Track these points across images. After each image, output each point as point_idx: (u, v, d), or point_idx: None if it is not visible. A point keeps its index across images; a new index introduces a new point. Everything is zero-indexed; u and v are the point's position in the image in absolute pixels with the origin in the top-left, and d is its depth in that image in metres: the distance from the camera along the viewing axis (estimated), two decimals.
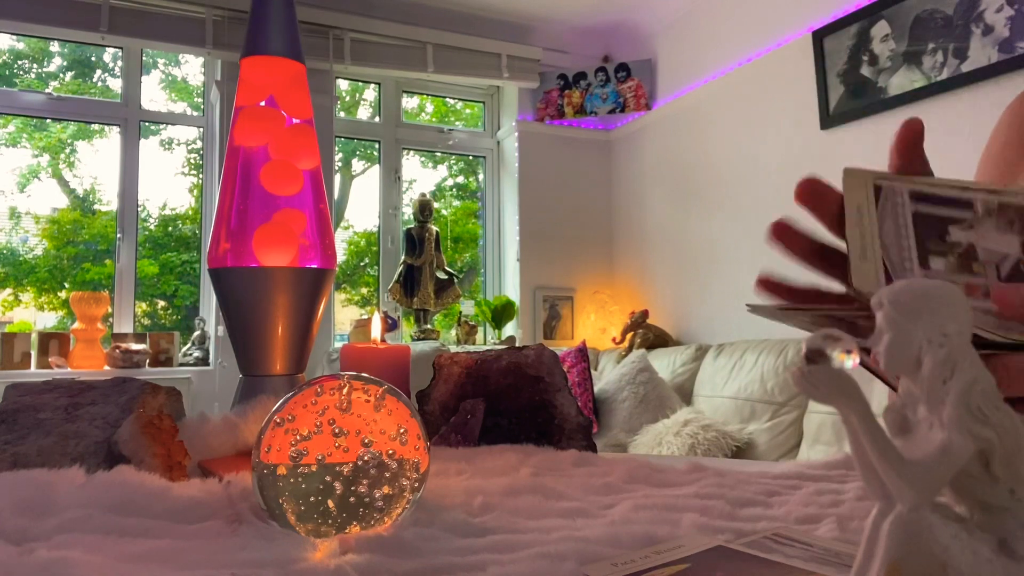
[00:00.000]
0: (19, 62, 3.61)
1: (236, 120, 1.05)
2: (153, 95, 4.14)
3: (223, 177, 1.04)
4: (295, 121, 1.05)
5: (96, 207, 3.65)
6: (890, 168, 0.39)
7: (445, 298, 3.78)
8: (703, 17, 3.61)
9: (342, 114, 3.98)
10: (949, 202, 0.34)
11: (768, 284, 0.40)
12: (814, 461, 0.81)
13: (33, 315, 3.54)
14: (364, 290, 4.17)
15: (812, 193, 0.39)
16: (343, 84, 4.07)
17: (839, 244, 0.38)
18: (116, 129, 3.53)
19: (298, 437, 0.51)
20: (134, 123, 3.52)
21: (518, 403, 0.92)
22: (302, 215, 1.02)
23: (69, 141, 3.63)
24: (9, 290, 3.48)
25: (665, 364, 3.24)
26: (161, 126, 3.71)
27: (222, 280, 1.01)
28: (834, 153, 2.84)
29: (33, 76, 3.63)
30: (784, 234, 0.39)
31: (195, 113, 3.78)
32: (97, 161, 3.68)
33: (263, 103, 1.05)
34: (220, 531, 0.52)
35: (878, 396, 2.25)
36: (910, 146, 0.39)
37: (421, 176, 4.36)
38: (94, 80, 3.73)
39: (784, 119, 3.07)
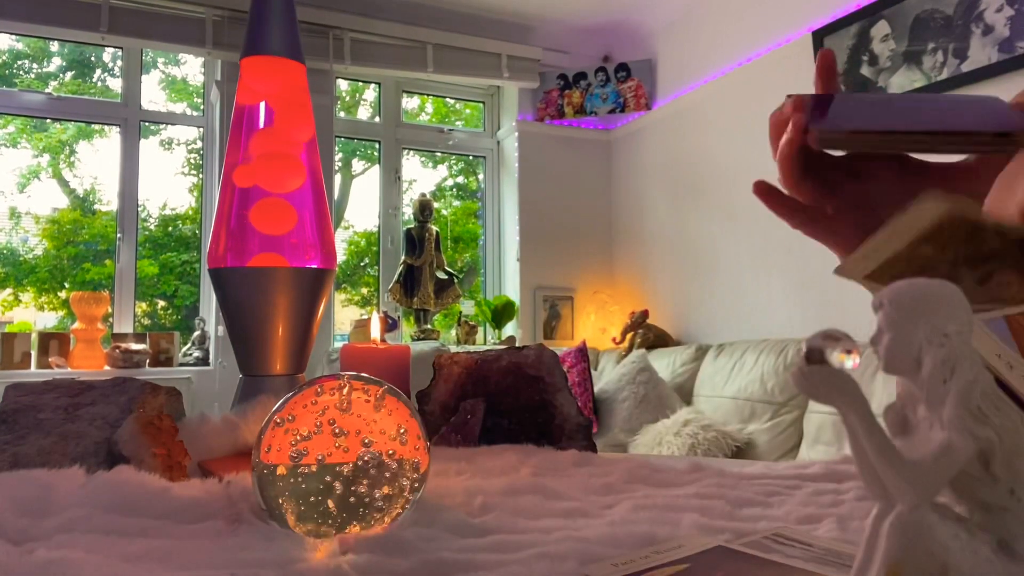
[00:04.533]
0: (19, 62, 3.61)
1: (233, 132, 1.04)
2: (153, 95, 4.15)
3: (223, 177, 1.04)
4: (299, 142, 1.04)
5: (96, 207, 3.65)
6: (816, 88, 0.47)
7: (445, 298, 3.78)
8: (703, 17, 3.61)
9: (342, 114, 3.98)
10: None
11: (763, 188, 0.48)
12: (814, 461, 0.81)
13: (33, 315, 3.54)
14: (364, 290, 4.17)
15: (767, 193, 0.48)
16: (343, 84, 4.07)
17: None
18: (116, 129, 3.53)
19: (298, 437, 0.51)
20: (134, 123, 3.52)
21: (518, 403, 0.92)
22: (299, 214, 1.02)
23: (69, 141, 3.63)
24: (9, 290, 3.48)
25: (665, 364, 3.24)
26: (161, 126, 3.71)
27: (222, 280, 1.01)
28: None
29: (33, 76, 3.63)
30: (766, 193, 0.48)
31: (195, 113, 3.78)
32: (97, 161, 3.68)
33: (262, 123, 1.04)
34: (220, 531, 0.52)
35: (878, 396, 2.25)
36: (830, 74, 0.47)
37: (421, 176, 4.37)
38: (94, 80, 3.73)
39: None
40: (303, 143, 1.05)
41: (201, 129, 3.71)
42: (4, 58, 3.54)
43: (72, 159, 3.64)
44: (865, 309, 0.38)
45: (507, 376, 0.93)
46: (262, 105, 1.04)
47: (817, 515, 0.57)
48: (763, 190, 0.47)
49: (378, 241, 4.01)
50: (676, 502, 0.60)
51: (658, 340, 3.52)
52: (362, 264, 4.16)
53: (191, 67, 3.85)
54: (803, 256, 2.95)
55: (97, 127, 3.62)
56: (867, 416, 0.27)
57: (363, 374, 0.56)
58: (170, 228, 3.76)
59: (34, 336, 3.09)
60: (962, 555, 0.26)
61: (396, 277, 3.74)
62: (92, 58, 3.68)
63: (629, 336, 3.58)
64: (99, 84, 3.71)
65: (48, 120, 3.54)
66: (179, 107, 3.84)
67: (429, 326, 3.72)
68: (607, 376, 3.31)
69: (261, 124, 1.04)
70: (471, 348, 3.33)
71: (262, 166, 1.01)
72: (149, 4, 3.26)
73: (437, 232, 3.80)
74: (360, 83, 4.13)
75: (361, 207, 4.22)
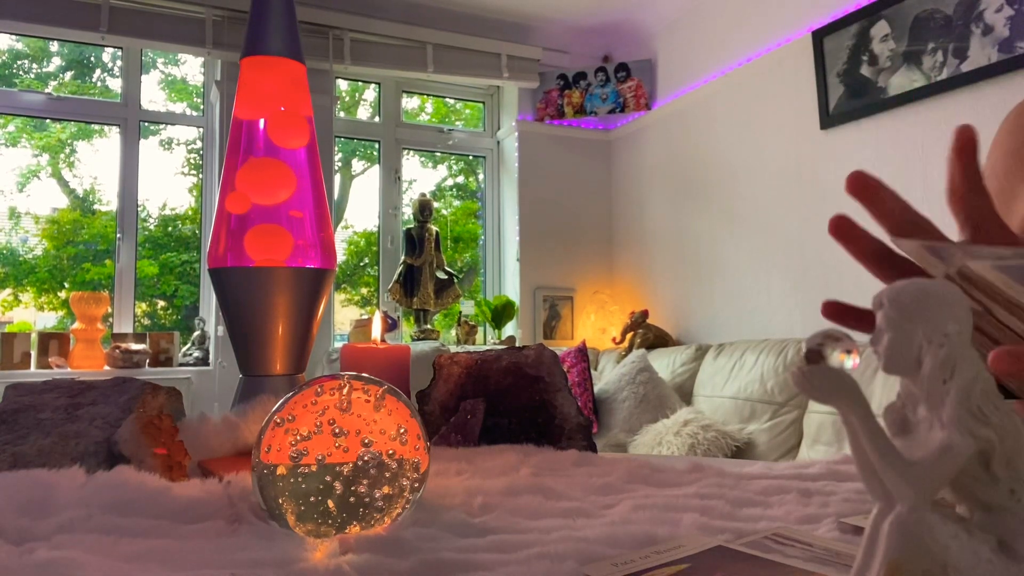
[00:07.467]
0: (19, 62, 3.61)
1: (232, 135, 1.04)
2: (153, 95, 4.15)
3: (223, 177, 1.04)
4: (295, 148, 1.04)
5: (96, 207, 3.65)
6: (952, 172, 0.39)
7: (445, 298, 3.78)
8: (703, 17, 3.61)
9: (342, 114, 3.98)
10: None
11: (833, 309, 0.41)
12: (814, 461, 0.81)
13: (33, 315, 3.54)
14: (364, 290, 4.17)
15: (843, 231, 0.40)
16: (343, 84, 4.07)
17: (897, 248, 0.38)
18: (116, 129, 3.53)
19: (298, 437, 0.51)
20: (134, 123, 3.52)
21: (518, 403, 0.92)
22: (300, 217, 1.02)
23: (69, 141, 3.63)
24: (9, 290, 3.48)
25: (665, 364, 3.24)
26: (161, 126, 3.71)
27: (222, 280, 1.01)
28: (834, 153, 2.84)
29: (33, 76, 3.63)
30: (844, 231, 0.40)
31: (195, 113, 3.78)
32: (97, 161, 3.68)
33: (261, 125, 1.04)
34: (220, 531, 0.52)
35: (878, 396, 2.24)
36: (969, 153, 0.39)
37: (421, 176, 4.37)
38: (93, 80, 3.73)
39: (784, 119, 3.07)
40: (303, 146, 1.05)
41: (201, 129, 3.71)
42: (4, 58, 3.54)
43: (72, 159, 3.64)
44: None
45: (507, 376, 0.93)
46: (260, 121, 1.03)
47: (817, 515, 0.57)
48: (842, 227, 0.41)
49: (378, 241, 4.01)
50: (676, 502, 0.60)
51: (658, 340, 3.52)
52: (362, 264, 4.16)
53: (191, 67, 3.85)
54: (803, 256, 2.95)
55: (97, 127, 3.62)
56: (867, 416, 0.27)
57: (363, 374, 0.56)
58: (170, 228, 3.76)
59: (34, 336, 3.09)
60: (962, 555, 0.26)
61: (396, 277, 3.74)
62: (92, 58, 3.68)
63: (629, 336, 3.58)
64: (99, 84, 3.71)
65: (48, 120, 3.54)
66: (179, 107, 3.84)
67: (429, 326, 3.72)
68: (607, 376, 3.31)
69: (260, 136, 1.03)
70: (471, 348, 3.33)
71: (258, 183, 1.00)
72: (149, 4, 3.26)
73: (437, 232, 3.80)
74: (360, 83, 4.13)
75: (361, 207, 4.23)
